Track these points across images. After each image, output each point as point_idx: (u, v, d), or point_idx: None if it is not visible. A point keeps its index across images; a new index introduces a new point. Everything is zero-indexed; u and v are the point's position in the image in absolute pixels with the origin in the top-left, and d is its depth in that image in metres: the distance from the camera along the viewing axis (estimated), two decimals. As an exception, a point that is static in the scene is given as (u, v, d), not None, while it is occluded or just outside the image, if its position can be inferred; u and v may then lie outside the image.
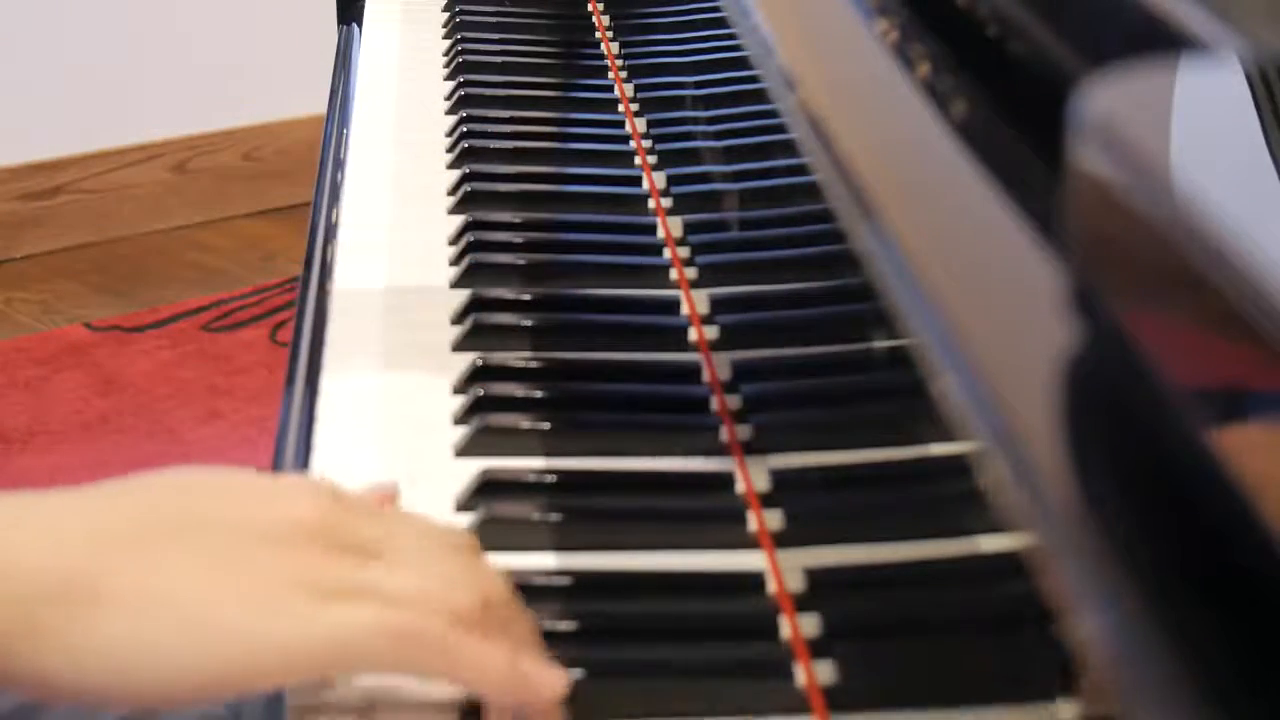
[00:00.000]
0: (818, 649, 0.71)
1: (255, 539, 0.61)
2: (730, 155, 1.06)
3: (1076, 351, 0.50)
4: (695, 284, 0.98)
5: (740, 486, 0.81)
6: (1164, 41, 0.59)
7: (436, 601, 0.62)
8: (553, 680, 0.64)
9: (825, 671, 0.70)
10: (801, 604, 0.73)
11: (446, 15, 1.39)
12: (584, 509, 0.80)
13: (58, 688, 0.59)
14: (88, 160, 2.76)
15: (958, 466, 0.56)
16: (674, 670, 0.71)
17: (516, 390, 0.88)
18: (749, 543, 0.78)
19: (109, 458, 2.29)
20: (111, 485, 0.63)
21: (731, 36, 1.02)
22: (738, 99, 1.06)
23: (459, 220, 1.05)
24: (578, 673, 0.70)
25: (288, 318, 2.59)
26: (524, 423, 0.85)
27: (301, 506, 0.63)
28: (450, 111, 1.22)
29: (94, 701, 0.61)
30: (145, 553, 0.60)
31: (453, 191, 1.10)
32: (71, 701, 0.63)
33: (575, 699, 0.67)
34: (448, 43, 1.34)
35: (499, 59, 1.30)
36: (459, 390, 0.89)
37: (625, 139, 1.17)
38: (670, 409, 0.89)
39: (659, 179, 1.10)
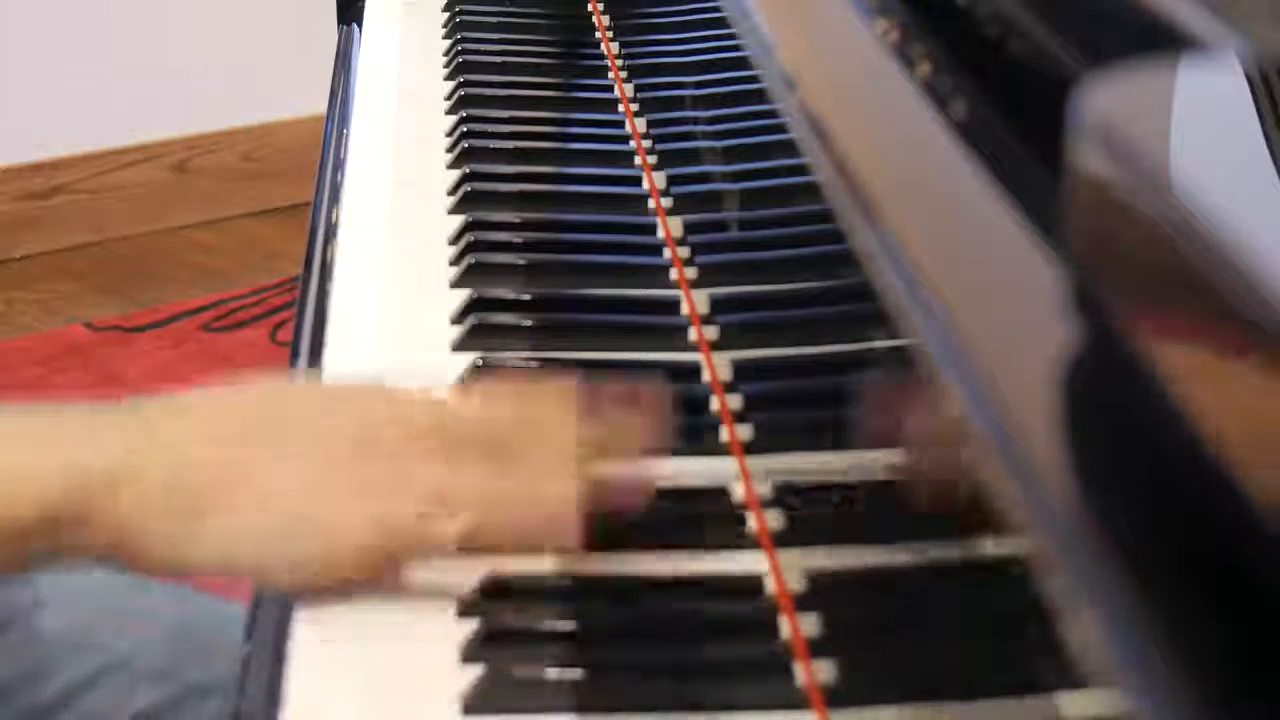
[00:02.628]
0: (818, 649, 0.71)
1: (343, 446, 0.69)
2: (730, 155, 1.06)
3: (1076, 351, 0.50)
4: (695, 284, 0.98)
5: (740, 487, 0.81)
6: (1164, 41, 0.59)
7: (494, 499, 0.70)
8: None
9: (825, 671, 0.70)
10: (801, 604, 0.73)
11: (446, 15, 1.39)
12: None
13: (177, 568, 0.68)
14: (88, 160, 2.77)
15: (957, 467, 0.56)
16: (674, 670, 0.71)
17: (516, 390, 0.88)
18: (749, 543, 0.78)
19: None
20: (213, 392, 0.71)
21: (731, 36, 1.02)
22: (738, 99, 1.06)
23: (459, 220, 1.05)
24: (578, 673, 0.70)
25: (288, 318, 2.59)
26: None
27: (381, 416, 0.70)
28: (450, 111, 1.22)
29: (201, 578, 0.70)
30: (245, 459, 0.68)
31: (453, 191, 1.10)
32: (178, 578, 0.71)
33: (576, 699, 0.67)
34: (448, 43, 1.34)
35: (499, 59, 1.30)
36: (459, 390, 0.89)
37: (625, 139, 1.17)
38: (670, 409, 0.89)
39: (659, 179, 1.10)
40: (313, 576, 0.70)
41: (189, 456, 0.69)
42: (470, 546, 0.71)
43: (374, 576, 0.71)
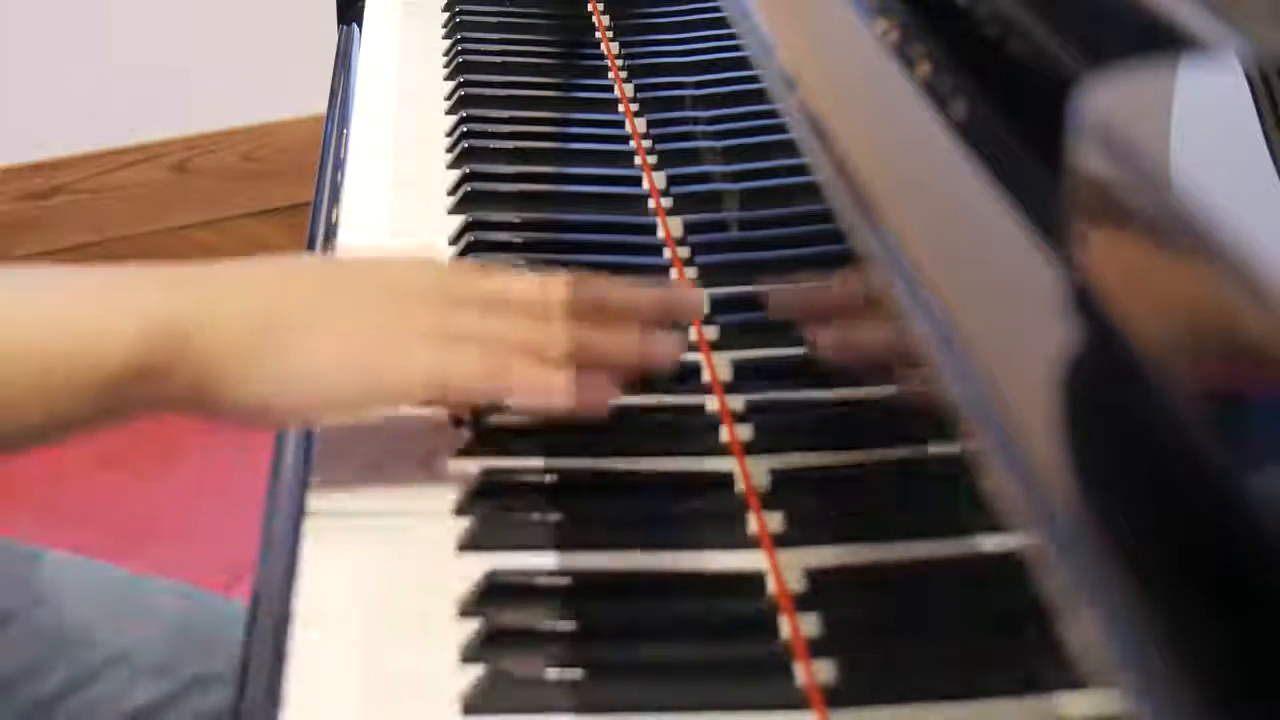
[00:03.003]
0: (818, 649, 0.71)
1: (389, 298, 0.78)
2: (730, 155, 1.06)
3: (1076, 351, 0.50)
4: (695, 284, 0.98)
5: (740, 486, 0.81)
6: (1164, 41, 0.59)
7: (516, 341, 0.79)
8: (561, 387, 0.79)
9: (825, 671, 0.70)
10: (801, 604, 0.73)
11: (446, 15, 1.39)
12: (584, 509, 0.80)
13: (251, 408, 0.75)
14: (88, 160, 2.76)
15: (958, 466, 0.56)
16: (674, 670, 0.71)
17: (516, 390, 0.88)
18: (749, 543, 0.78)
19: (109, 459, 2.29)
20: (271, 258, 0.79)
21: (731, 36, 1.02)
22: (738, 99, 1.06)
23: (459, 220, 1.05)
24: (578, 673, 0.70)
25: (288, 318, 2.59)
26: (524, 424, 0.85)
27: (421, 276, 0.80)
28: (450, 111, 1.22)
29: (267, 417, 0.77)
30: (314, 305, 0.77)
31: (453, 191, 1.10)
32: (248, 418, 0.76)
33: (576, 699, 0.67)
34: (448, 43, 1.34)
35: (499, 59, 1.30)
36: (459, 390, 0.88)
37: (625, 139, 1.17)
38: (670, 409, 0.89)
39: (659, 179, 1.10)
40: (366, 410, 0.79)
41: (258, 305, 0.76)
42: (491, 385, 0.79)
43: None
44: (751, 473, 0.82)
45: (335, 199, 1.10)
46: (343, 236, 1.05)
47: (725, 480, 0.81)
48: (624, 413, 0.88)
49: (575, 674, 0.70)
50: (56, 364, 0.73)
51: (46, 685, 0.99)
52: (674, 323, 0.86)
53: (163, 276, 0.76)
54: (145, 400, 0.74)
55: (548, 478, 0.81)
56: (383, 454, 0.84)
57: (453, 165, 1.14)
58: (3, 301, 0.74)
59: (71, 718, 0.99)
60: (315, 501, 0.80)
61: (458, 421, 0.84)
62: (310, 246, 1.06)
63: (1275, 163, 0.52)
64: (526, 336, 0.80)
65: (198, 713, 1.01)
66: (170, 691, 1.01)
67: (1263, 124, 0.53)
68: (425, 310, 0.78)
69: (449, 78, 1.28)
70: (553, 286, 0.83)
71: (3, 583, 1.02)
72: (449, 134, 1.18)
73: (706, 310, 0.90)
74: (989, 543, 0.58)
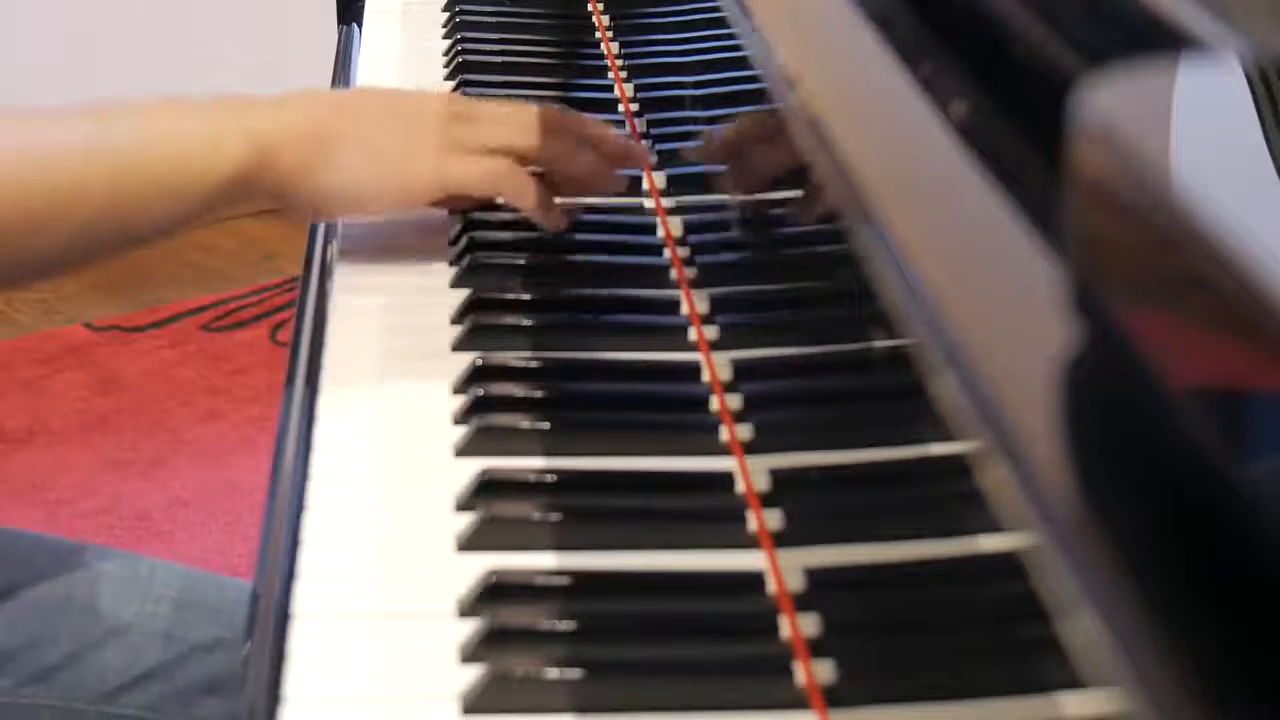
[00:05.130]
0: (817, 648, 0.71)
1: (404, 119, 0.98)
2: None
3: (1076, 351, 0.50)
4: (695, 284, 0.98)
5: (740, 486, 0.81)
6: (1164, 41, 0.59)
7: (506, 149, 0.99)
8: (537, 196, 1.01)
9: (824, 670, 0.70)
10: (801, 604, 0.73)
11: (446, 15, 1.39)
12: (584, 509, 0.80)
13: (309, 198, 0.95)
14: (88, 160, 2.76)
15: (958, 466, 0.56)
16: (674, 670, 0.71)
17: (516, 390, 0.88)
18: (749, 543, 0.78)
19: (109, 458, 2.29)
20: (324, 91, 1.03)
21: (731, 36, 1.02)
22: (738, 99, 1.06)
23: (459, 221, 1.05)
24: (578, 673, 0.70)
25: (288, 318, 2.59)
26: (524, 422, 0.85)
27: (429, 102, 1.01)
28: (450, 111, 1.22)
29: (327, 210, 0.98)
30: (354, 122, 0.96)
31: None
32: (308, 210, 0.98)
33: (576, 699, 0.67)
34: (448, 43, 1.34)
35: (499, 59, 1.30)
36: (459, 390, 0.89)
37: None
38: (670, 409, 0.89)
39: (659, 179, 1.10)
40: (388, 205, 0.99)
41: (316, 126, 0.95)
42: (485, 186, 1.00)
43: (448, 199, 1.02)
44: (751, 473, 0.82)
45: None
46: (342, 236, 1.05)
47: (725, 480, 0.81)
48: (625, 411, 0.89)
49: (575, 674, 0.70)
50: (182, 174, 0.91)
51: (49, 656, 1.01)
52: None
53: (254, 103, 0.95)
54: (239, 199, 0.93)
55: (548, 478, 0.82)
56: (383, 444, 0.85)
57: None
58: (136, 127, 0.92)
59: (73, 684, 1.01)
60: (316, 499, 0.80)
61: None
62: (310, 246, 1.06)
63: (1275, 163, 0.52)
64: (514, 145, 1.00)
65: (200, 677, 1.03)
66: (177, 654, 1.03)
67: (1263, 124, 0.53)
68: (432, 126, 0.98)
69: (449, 78, 1.28)
70: (539, 111, 1.02)
71: (3, 561, 1.04)
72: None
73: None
74: (989, 543, 0.58)
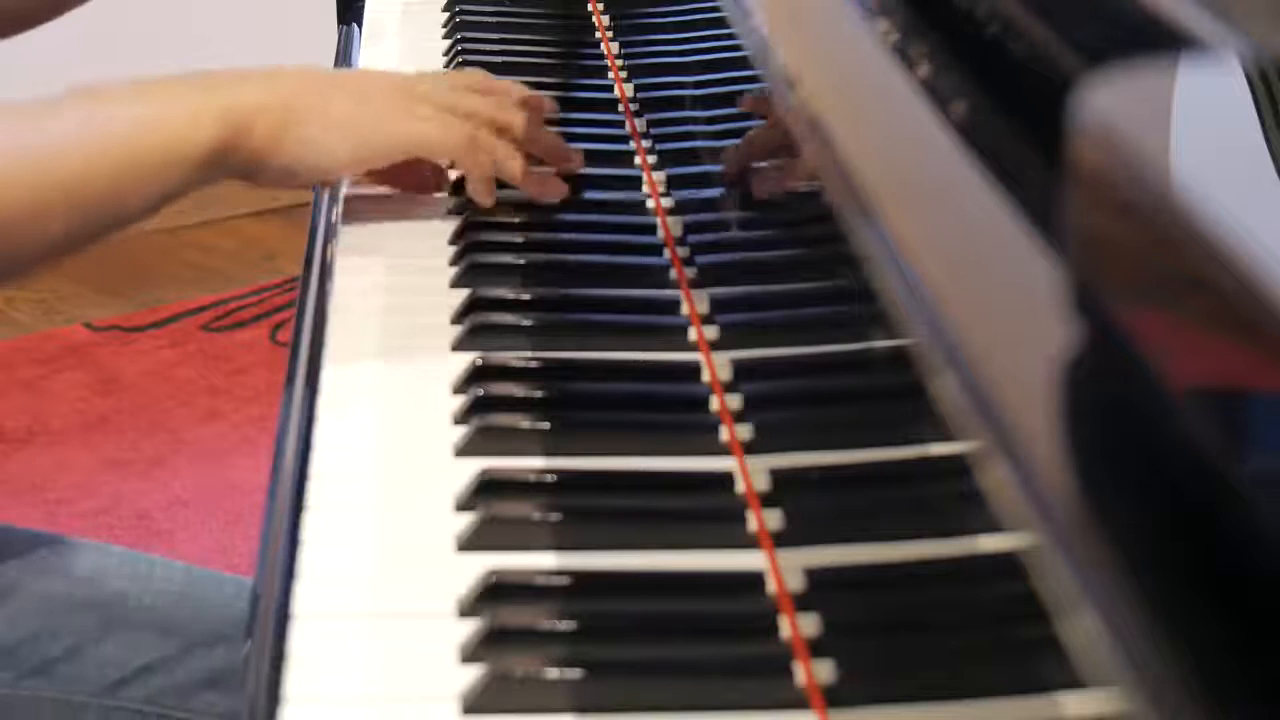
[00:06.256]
0: (817, 648, 0.71)
1: (376, 87, 1.03)
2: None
3: (1076, 351, 0.50)
4: (695, 284, 0.98)
5: (740, 486, 0.81)
6: (1164, 41, 0.59)
7: (480, 117, 1.04)
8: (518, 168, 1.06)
9: (824, 670, 0.70)
10: (801, 604, 0.73)
11: (446, 15, 1.39)
12: (584, 509, 0.80)
13: (283, 168, 0.98)
14: (88, 160, 2.76)
15: (958, 466, 0.56)
16: (674, 670, 0.71)
17: (516, 390, 0.88)
18: (749, 543, 0.78)
19: (109, 458, 2.29)
20: (299, 67, 1.02)
21: (731, 36, 1.02)
22: (738, 99, 1.06)
23: (459, 220, 1.05)
24: (578, 673, 0.70)
25: (288, 318, 2.59)
26: (524, 423, 0.85)
27: (401, 76, 1.07)
28: (450, 111, 1.22)
29: (293, 178, 1.00)
30: (320, 94, 1.00)
31: (453, 191, 1.10)
32: (277, 179, 1.00)
33: (576, 699, 0.67)
34: (448, 43, 1.34)
35: (499, 59, 1.30)
36: (459, 390, 0.89)
37: (625, 139, 1.17)
38: (670, 409, 0.89)
39: (659, 179, 1.10)
40: (370, 159, 1.03)
41: (290, 98, 0.99)
42: (458, 148, 1.04)
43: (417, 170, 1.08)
44: (751, 473, 0.82)
45: (335, 199, 1.10)
46: (342, 236, 1.05)
47: (725, 480, 0.81)
48: (625, 411, 0.89)
49: (575, 674, 0.70)
50: (170, 154, 0.94)
51: (50, 649, 1.01)
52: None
53: (225, 79, 0.98)
54: (214, 173, 0.96)
55: (548, 478, 0.82)
56: (383, 443, 0.85)
57: (452, 165, 1.14)
58: (128, 114, 0.94)
59: (74, 678, 1.01)
60: (316, 499, 0.80)
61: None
62: (310, 246, 1.06)
63: (1275, 163, 0.52)
64: (493, 115, 1.04)
65: (200, 671, 1.03)
66: (177, 647, 1.03)
67: (1263, 124, 0.53)
68: (394, 91, 1.03)
69: (449, 77, 1.28)
70: (510, 86, 1.09)
71: (4, 557, 1.04)
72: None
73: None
74: (989, 543, 0.58)
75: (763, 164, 0.98)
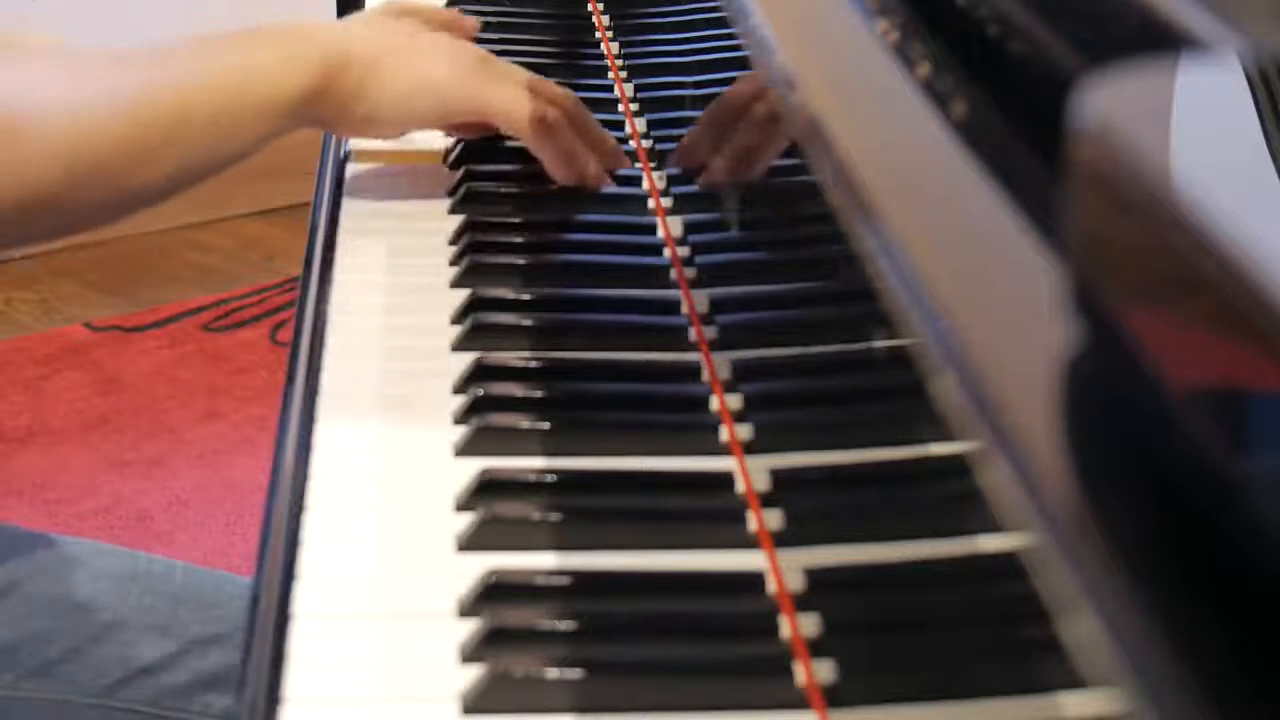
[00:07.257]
0: (817, 648, 0.71)
1: (465, 52, 1.08)
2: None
3: (1076, 351, 0.50)
4: (695, 284, 0.98)
5: (740, 486, 0.81)
6: (1164, 41, 0.59)
7: (557, 103, 1.08)
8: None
9: (825, 671, 0.70)
10: (801, 604, 0.73)
11: (446, 15, 1.39)
12: (584, 509, 0.80)
13: (364, 117, 1.04)
14: (88, 160, 2.76)
15: (958, 466, 0.56)
16: (674, 670, 0.71)
17: (516, 390, 0.88)
18: (749, 543, 0.78)
19: (109, 458, 2.29)
20: (382, 21, 1.10)
21: (731, 36, 1.02)
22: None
23: (459, 220, 1.05)
24: (578, 673, 0.70)
25: (288, 318, 2.59)
26: (524, 422, 0.85)
27: (481, 48, 1.12)
28: (450, 111, 1.21)
29: (373, 127, 1.07)
30: (412, 51, 1.06)
31: (453, 191, 1.10)
32: (359, 128, 1.07)
33: (576, 699, 0.67)
34: (448, 43, 1.34)
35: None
36: (459, 390, 0.89)
37: (625, 139, 1.17)
38: (670, 409, 0.89)
39: (659, 179, 1.10)
40: (447, 116, 1.09)
41: (375, 49, 1.04)
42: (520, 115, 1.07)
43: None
44: (751, 473, 0.82)
45: (335, 199, 1.10)
46: (342, 236, 1.05)
47: (725, 480, 0.81)
48: (625, 411, 0.89)
49: (575, 674, 0.70)
50: (266, 99, 1.00)
51: (49, 650, 1.01)
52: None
53: (322, 29, 1.05)
54: (304, 118, 1.02)
55: (548, 478, 0.82)
56: (383, 443, 0.85)
57: (453, 165, 1.14)
58: (216, 61, 1.01)
59: (73, 679, 1.01)
60: (316, 499, 0.80)
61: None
62: (310, 246, 1.06)
63: (1275, 163, 0.52)
64: (567, 106, 1.08)
65: (199, 671, 1.03)
66: (175, 649, 1.03)
67: (1263, 124, 0.53)
68: (476, 56, 1.08)
69: (449, 77, 1.28)
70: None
71: (3, 557, 1.04)
72: (448, 134, 1.18)
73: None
74: (989, 543, 0.58)
75: (745, 133, 1.00)
